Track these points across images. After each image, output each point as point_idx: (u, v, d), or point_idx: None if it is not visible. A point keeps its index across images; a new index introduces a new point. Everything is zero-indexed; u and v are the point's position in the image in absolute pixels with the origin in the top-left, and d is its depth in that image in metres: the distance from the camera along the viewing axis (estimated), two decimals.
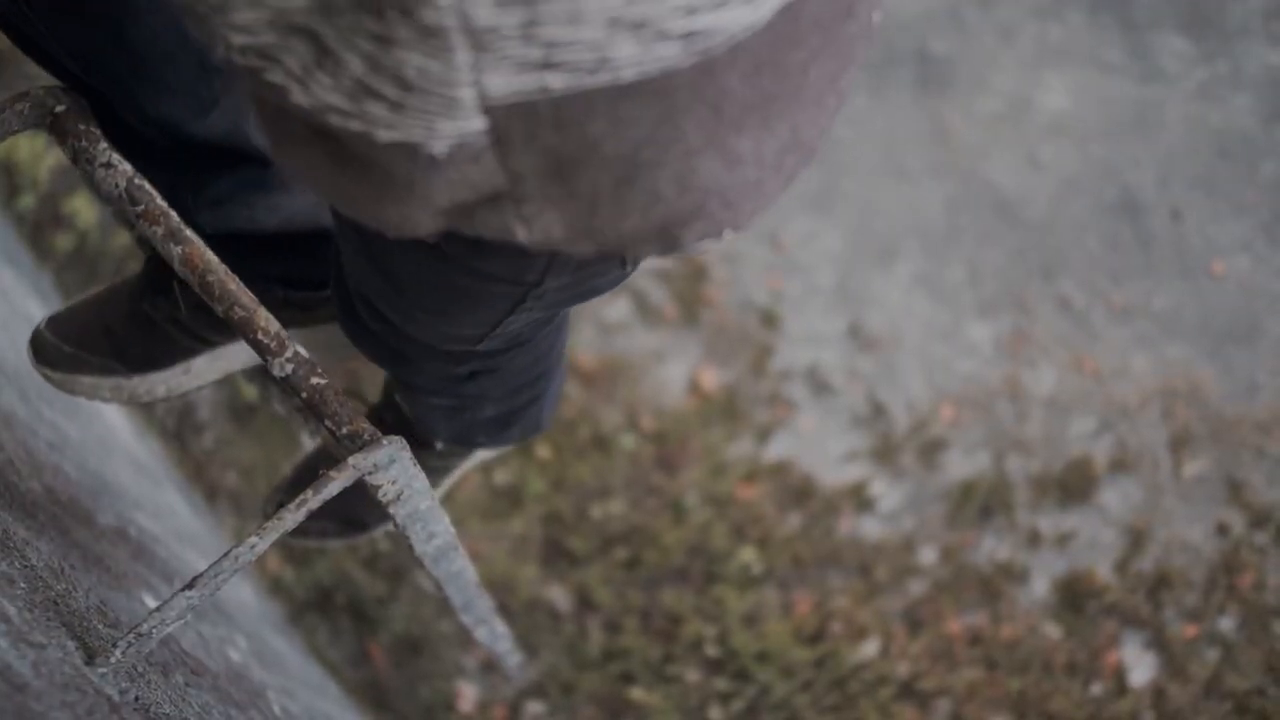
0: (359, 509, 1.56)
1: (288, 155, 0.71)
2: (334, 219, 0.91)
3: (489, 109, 0.61)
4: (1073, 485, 2.39)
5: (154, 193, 0.94)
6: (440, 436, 1.39)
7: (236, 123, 1.05)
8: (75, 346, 1.21)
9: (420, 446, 1.41)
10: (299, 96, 0.63)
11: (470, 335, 0.95)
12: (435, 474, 1.50)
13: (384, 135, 0.62)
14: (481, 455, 1.53)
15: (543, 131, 0.62)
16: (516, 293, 0.83)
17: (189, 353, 1.24)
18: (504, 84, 0.60)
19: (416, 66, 0.59)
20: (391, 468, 0.89)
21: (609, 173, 0.65)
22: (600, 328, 2.50)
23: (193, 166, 1.07)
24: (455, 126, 0.61)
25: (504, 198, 0.66)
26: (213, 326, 1.21)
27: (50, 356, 1.21)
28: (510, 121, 0.62)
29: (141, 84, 0.98)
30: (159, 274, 1.19)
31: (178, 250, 0.92)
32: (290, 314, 1.24)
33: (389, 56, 0.59)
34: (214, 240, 1.11)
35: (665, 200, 0.67)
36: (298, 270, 1.20)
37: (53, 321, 1.23)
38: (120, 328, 1.22)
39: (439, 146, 0.62)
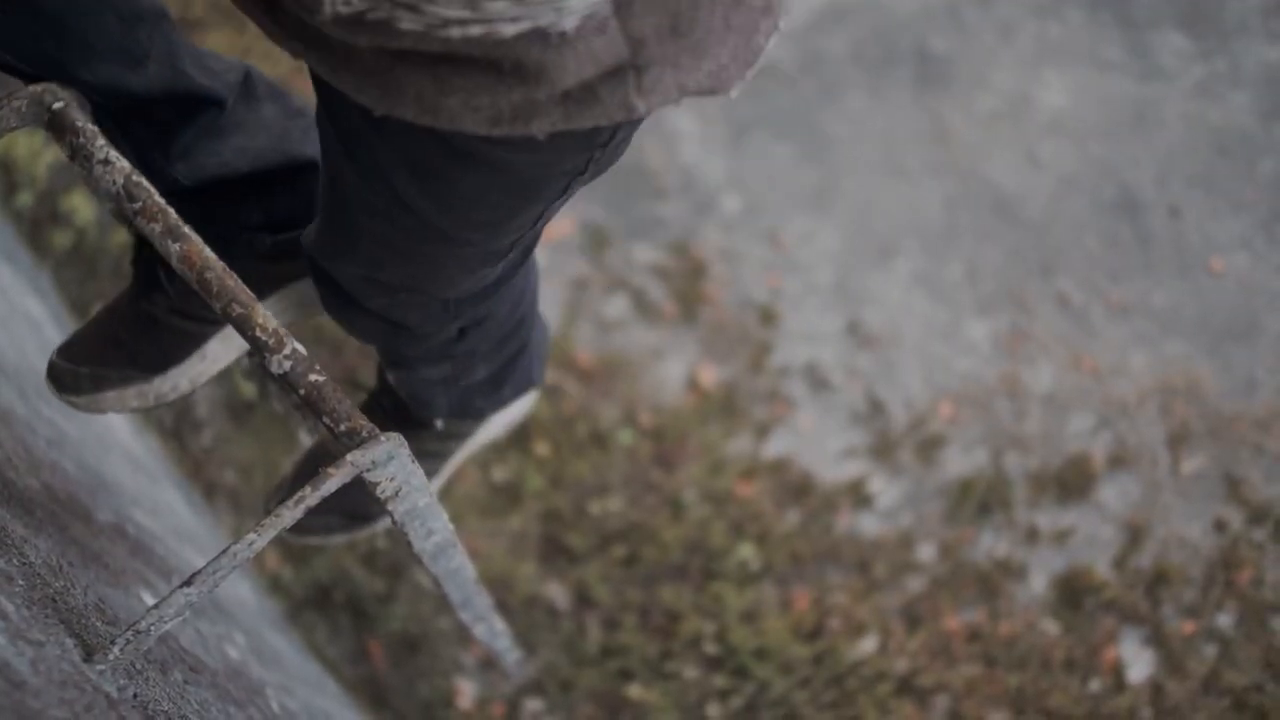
0: (362, 501, 1.57)
1: (379, 89, 0.74)
2: (346, 182, 0.92)
3: None
4: (1071, 482, 2.39)
5: (151, 189, 0.94)
6: (439, 412, 1.40)
7: (175, 68, 1.06)
8: (91, 365, 1.23)
9: (420, 428, 1.42)
10: (409, 23, 0.66)
11: (503, 247, 0.99)
12: (436, 459, 1.51)
13: (509, 29, 0.66)
14: (480, 437, 1.54)
15: None
16: (580, 162, 0.87)
17: (199, 339, 1.25)
18: None
19: None
20: (389, 464, 0.89)
21: (723, 4, 0.71)
22: (599, 325, 2.50)
23: (150, 124, 1.08)
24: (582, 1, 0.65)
25: (626, 69, 0.70)
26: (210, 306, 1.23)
27: (70, 383, 1.23)
28: None
29: (71, 53, 0.99)
30: (149, 270, 1.20)
31: (176, 247, 0.92)
32: (282, 268, 1.25)
33: None
34: (196, 194, 1.12)
35: (755, 9, 0.74)
36: (281, 208, 1.21)
37: (63, 350, 1.24)
38: (127, 335, 1.23)
39: (569, 23, 0.66)
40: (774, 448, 2.43)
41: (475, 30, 0.66)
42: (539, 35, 0.66)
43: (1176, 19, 3.00)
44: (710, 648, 2.22)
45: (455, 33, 0.66)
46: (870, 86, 2.78)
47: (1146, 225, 2.66)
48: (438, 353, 1.22)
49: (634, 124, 0.84)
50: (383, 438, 0.87)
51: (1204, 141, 2.81)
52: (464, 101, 0.72)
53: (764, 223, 2.63)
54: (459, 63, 0.70)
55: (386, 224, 0.93)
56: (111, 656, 0.80)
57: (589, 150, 0.85)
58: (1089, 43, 2.97)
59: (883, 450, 2.43)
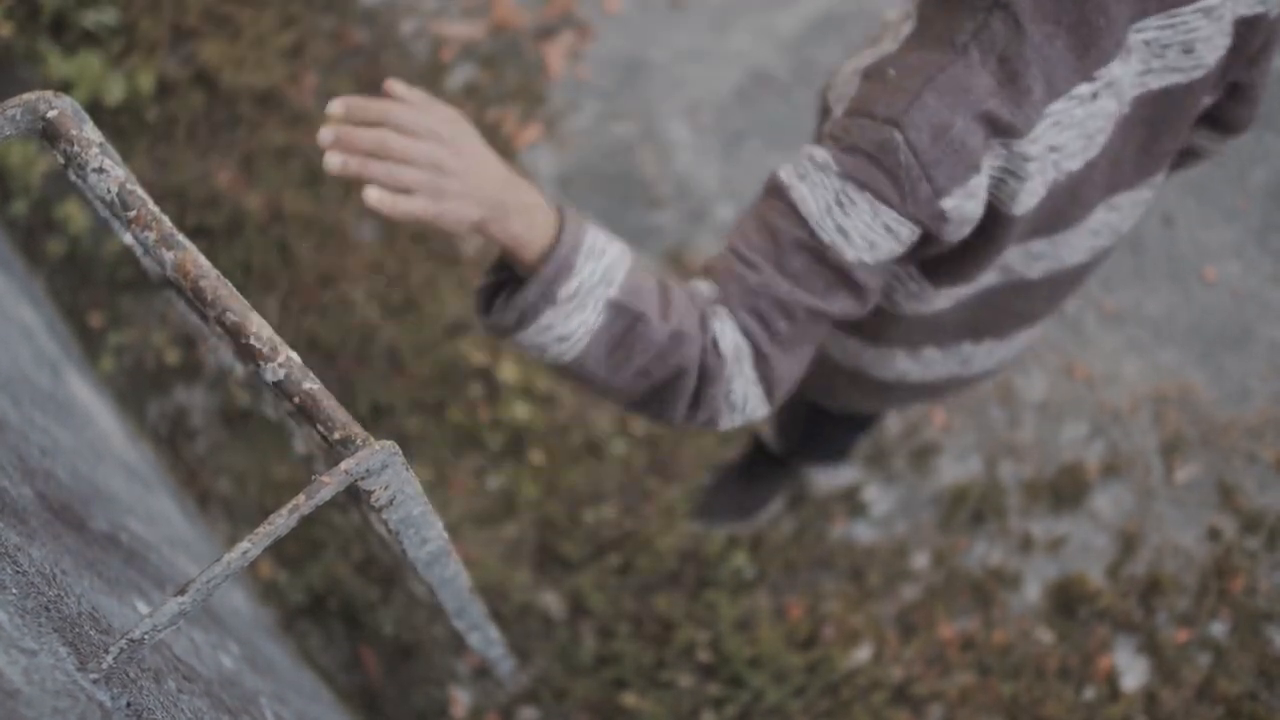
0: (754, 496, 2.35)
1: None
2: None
3: None
4: (1065, 490, 2.39)
5: (146, 197, 0.94)
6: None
7: None
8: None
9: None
10: None
11: None
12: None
13: None
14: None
15: None
16: None
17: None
18: None
19: None
20: (384, 473, 0.89)
21: None
22: None
23: None
24: None
25: None
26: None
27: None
28: None
29: None
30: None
31: (170, 256, 0.91)
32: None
33: None
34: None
35: None
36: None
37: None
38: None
39: None
40: None
41: None
42: None
43: None
44: (704, 656, 2.22)
45: None
46: None
47: (1139, 233, 2.67)
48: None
49: None
50: (377, 446, 0.87)
51: None
52: None
53: None
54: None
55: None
56: (105, 665, 0.80)
57: None
58: None
59: (876, 458, 2.43)
